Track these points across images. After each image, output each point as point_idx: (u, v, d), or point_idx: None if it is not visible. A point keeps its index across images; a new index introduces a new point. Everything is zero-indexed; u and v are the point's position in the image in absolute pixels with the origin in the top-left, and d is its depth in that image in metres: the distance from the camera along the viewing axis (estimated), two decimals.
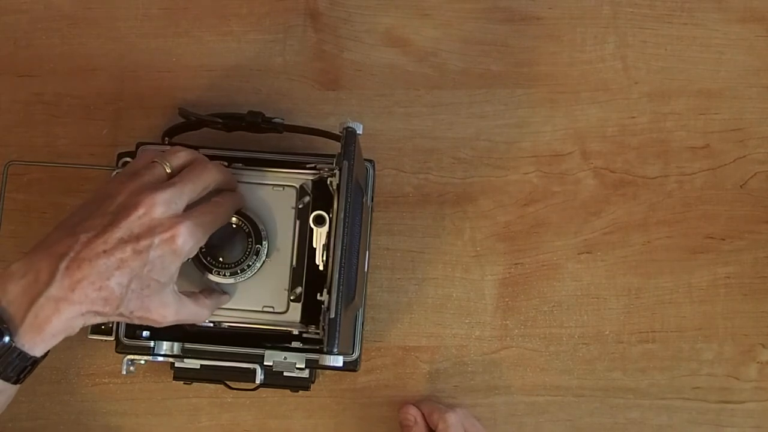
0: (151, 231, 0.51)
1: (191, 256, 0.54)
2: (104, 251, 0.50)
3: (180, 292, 0.55)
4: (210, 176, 0.56)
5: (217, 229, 0.57)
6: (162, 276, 0.52)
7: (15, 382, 0.51)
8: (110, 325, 0.63)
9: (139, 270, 0.51)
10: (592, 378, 0.69)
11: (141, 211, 0.52)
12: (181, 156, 0.57)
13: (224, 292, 0.60)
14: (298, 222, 0.60)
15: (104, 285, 0.50)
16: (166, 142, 0.66)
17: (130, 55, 0.72)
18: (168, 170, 0.55)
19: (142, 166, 0.56)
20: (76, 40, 0.72)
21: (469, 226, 0.70)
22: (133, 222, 0.51)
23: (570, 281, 0.70)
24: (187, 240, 0.53)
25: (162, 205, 0.52)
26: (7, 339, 0.49)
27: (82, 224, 0.52)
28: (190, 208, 0.54)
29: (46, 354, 0.51)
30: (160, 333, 0.63)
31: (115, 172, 0.64)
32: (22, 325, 0.49)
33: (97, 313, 0.51)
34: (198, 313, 0.57)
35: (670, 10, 0.73)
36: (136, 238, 0.51)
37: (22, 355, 0.50)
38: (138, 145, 0.65)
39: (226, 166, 0.61)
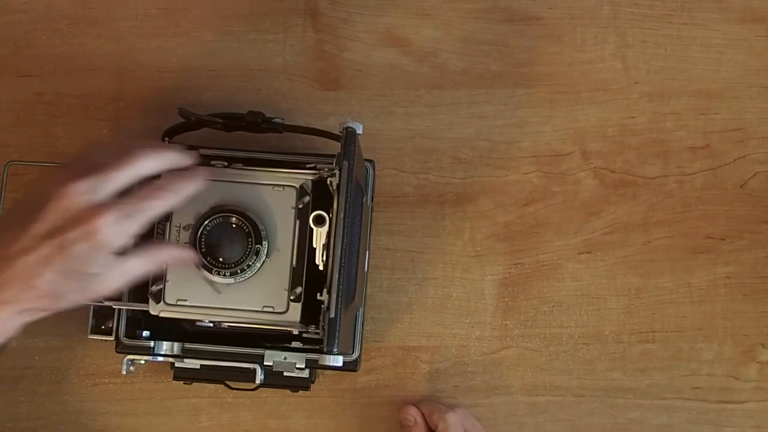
0: (71, 223, 0.49)
1: (128, 245, 0.51)
2: (25, 249, 0.49)
3: (117, 257, 0.52)
4: (143, 162, 0.53)
5: (220, 233, 0.57)
6: (94, 267, 0.50)
7: None
8: (110, 325, 0.63)
9: (66, 265, 0.49)
10: (592, 378, 0.69)
11: (60, 202, 0.49)
12: (124, 145, 0.54)
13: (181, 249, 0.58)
14: (298, 222, 0.60)
15: (32, 284, 0.49)
16: (166, 142, 0.66)
17: (130, 55, 0.72)
18: (101, 160, 0.52)
19: (78, 157, 0.53)
20: (76, 40, 0.72)
21: (469, 226, 0.70)
22: (54, 214, 0.49)
23: (570, 281, 0.70)
24: (110, 232, 0.50)
25: (82, 194, 0.50)
26: None
27: (7, 221, 0.51)
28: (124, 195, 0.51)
29: None
30: (160, 333, 0.63)
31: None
32: None
33: (36, 309, 0.50)
34: (146, 264, 0.54)
35: (670, 10, 0.73)
36: (58, 231, 0.49)
37: None
38: None
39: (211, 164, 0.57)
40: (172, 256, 0.57)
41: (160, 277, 0.59)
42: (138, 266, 0.53)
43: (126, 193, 0.52)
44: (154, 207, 0.53)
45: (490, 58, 0.72)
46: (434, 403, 0.67)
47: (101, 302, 0.59)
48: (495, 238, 0.70)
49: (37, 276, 0.49)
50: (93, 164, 0.52)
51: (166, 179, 0.55)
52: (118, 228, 0.50)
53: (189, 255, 0.57)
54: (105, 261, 0.51)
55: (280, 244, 0.60)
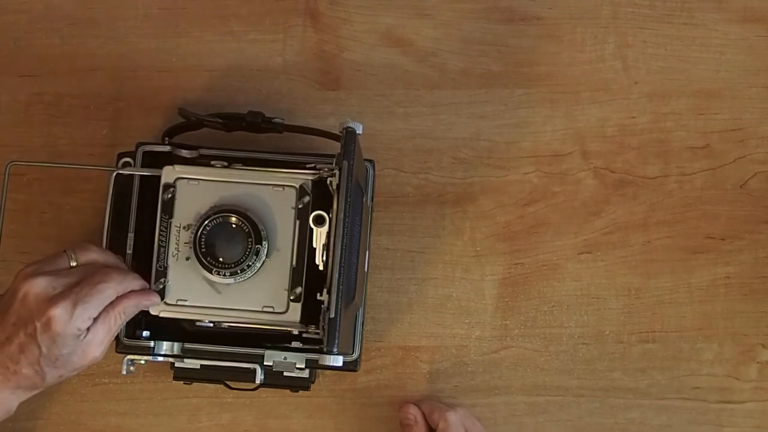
0: (31, 316, 0.54)
1: (85, 327, 0.55)
2: (4, 340, 0.54)
3: (88, 329, 0.55)
4: (104, 280, 0.56)
5: (220, 233, 0.58)
6: (63, 349, 0.54)
7: None
8: None
9: (38, 351, 0.54)
10: (592, 378, 0.69)
11: (20, 294, 0.54)
12: (92, 253, 0.58)
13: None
14: (298, 222, 0.60)
15: (16, 369, 0.54)
16: (166, 142, 0.66)
17: (130, 55, 0.72)
18: (72, 263, 0.57)
19: (52, 255, 0.58)
20: (76, 40, 0.72)
21: (469, 226, 0.70)
22: (18, 307, 0.54)
23: (570, 281, 0.70)
24: (65, 321, 0.54)
25: (38, 285, 0.54)
26: None
27: None
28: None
29: None
30: (160, 333, 0.63)
31: (115, 173, 0.64)
32: None
33: (28, 387, 0.56)
34: (114, 325, 0.57)
35: (670, 10, 0.73)
36: (24, 323, 0.54)
37: None
38: (138, 145, 0.65)
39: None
40: (131, 307, 0.59)
41: (162, 275, 0.60)
42: (104, 331, 0.57)
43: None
44: (103, 290, 0.56)
45: (490, 58, 0.72)
46: (434, 402, 0.67)
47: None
48: (495, 238, 0.70)
49: (18, 362, 0.54)
50: (62, 264, 0.57)
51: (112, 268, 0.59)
52: (72, 314, 0.54)
53: (149, 298, 0.59)
54: (73, 342, 0.55)
55: (280, 244, 0.60)
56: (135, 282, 0.59)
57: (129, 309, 0.58)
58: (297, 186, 0.61)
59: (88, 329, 0.55)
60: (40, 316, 0.53)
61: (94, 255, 0.59)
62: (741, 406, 0.69)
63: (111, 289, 0.56)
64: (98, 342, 0.56)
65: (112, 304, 0.57)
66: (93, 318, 0.55)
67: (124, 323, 0.58)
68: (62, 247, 0.58)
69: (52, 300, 0.54)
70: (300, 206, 0.60)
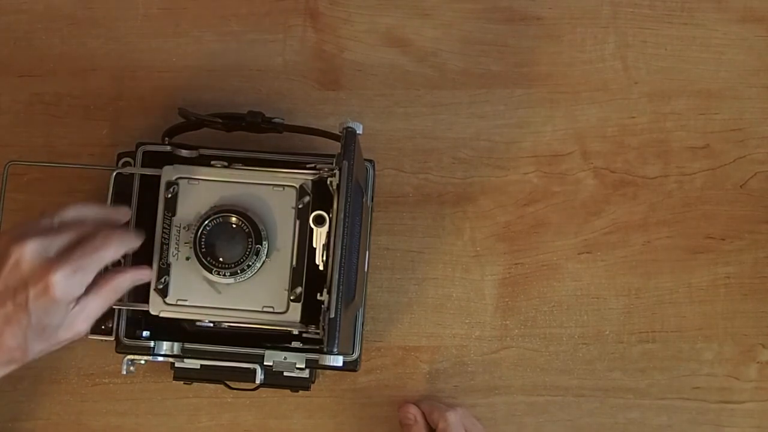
0: (24, 283, 0.51)
1: (78, 295, 0.53)
2: None
3: (79, 298, 0.54)
4: (100, 242, 0.55)
5: (220, 233, 0.57)
6: (54, 319, 0.52)
7: None
8: (110, 325, 0.63)
9: (27, 321, 0.51)
10: (592, 378, 0.69)
11: (11, 260, 0.51)
12: (71, 211, 0.56)
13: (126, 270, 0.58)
14: (298, 222, 0.60)
15: (1, 341, 0.51)
16: (166, 142, 0.66)
17: (130, 55, 0.72)
18: (54, 220, 0.55)
19: (32, 220, 0.55)
20: (76, 40, 0.72)
21: (469, 226, 0.70)
22: (8, 275, 0.51)
23: (570, 281, 0.70)
24: (62, 287, 0.52)
25: (33, 252, 0.52)
26: None
27: None
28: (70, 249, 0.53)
29: None
30: (160, 333, 0.63)
31: (115, 172, 0.64)
32: None
33: (10, 361, 0.52)
34: (108, 298, 0.56)
35: (670, 10, 0.73)
36: (13, 291, 0.51)
37: None
38: (138, 145, 0.65)
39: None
40: (127, 281, 0.58)
41: (164, 274, 0.60)
42: (96, 305, 0.55)
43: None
44: (102, 257, 0.54)
45: (490, 58, 0.72)
46: (434, 402, 0.67)
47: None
48: (495, 238, 0.70)
49: (2, 333, 0.51)
50: (44, 224, 0.54)
51: (108, 231, 0.56)
52: (69, 283, 0.52)
53: (143, 272, 0.58)
54: (65, 311, 0.53)
55: (280, 244, 0.60)
56: (133, 243, 0.57)
57: (124, 284, 0.56)
58: (297, 186, 0.61)
59: (77, 300, 0.53)
60: (35, 282, 0.51)
61: (74, 212, 0.56)
62: (741, 406, 0.69)
63: (110, 255, 0.54)
64: (86, 315, 0.54)
65: (105, 279, 0.55)
66: (85, 287, 0.53)
67: (114, 300, 0.56)
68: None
69: (50, 265, 0.51)
70: (300, 206, 0.60)
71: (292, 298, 0.60)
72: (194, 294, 0.60)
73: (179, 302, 0.60)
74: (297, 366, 0.62)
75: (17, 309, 0.51)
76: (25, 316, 0.51)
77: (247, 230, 0.59)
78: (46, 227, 0.54)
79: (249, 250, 0.59)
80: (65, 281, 0.52)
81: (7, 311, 0.51)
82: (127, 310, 0.63)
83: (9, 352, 0.52)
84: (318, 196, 0.60)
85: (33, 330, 0.52)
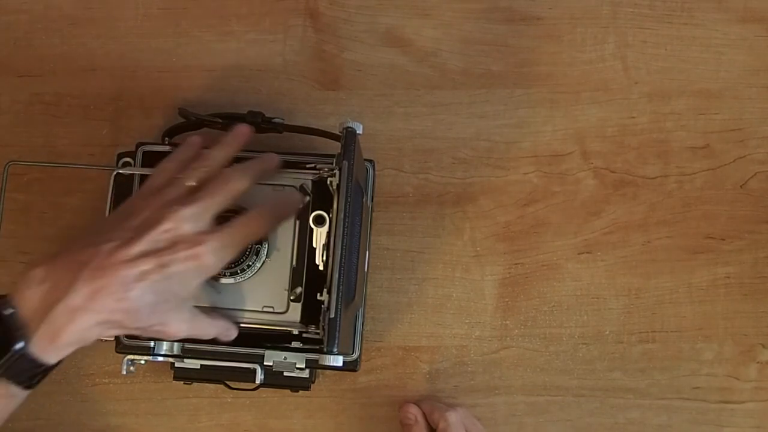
0: (174, 246, 0.52)
1: (215, 273, 0.54)
2: (127, 262, 0.50)
3: (195, 308, 0.56)
4: (235, 186, 0.56)
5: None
6: (182, 291, 0.53)
7: (26, 388, 0.51)
8: None
9: (160, 284, 0.51)
10: (592, 378, 0.69)
11: (166, 225, 0.52)
12: (205, 166, 0.57)
13: (233, 325, 0.60)
14: (297, 222, 0.60)
15: (124, 296, 0.50)
16: (166, 142, 0.66)
17: (130, 55, 0.72)
18: (192, 184, 0.55)
19: (164, 182, 0.56)
20: (76, 40, 0.72)
21: (469, 226, 0.70)
22: (158, 236, 0.52)
23: (570, 281, 0.70)
24: (210, 259, 0.53)
25: (188, 220, 0.52)
26: (20, 345, 0.49)
27: (105, 235, 0.52)
28: (223, 219, 0.55)
29: (59, 362, 0.51)
30: None
31: (115, 172, 0.64)
32: (37, 332, 0.50)
33: (115, 324, 0.51)
34: (206, 329, 0.57)
35: (670, 10, 0.73)
36: (160, 252, 0.51)
37: (35, 362, 0.50)
38: (138, 145, 0.65)
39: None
40: (230, 334, 0.59)
41: None
42: (204, 328, 0.57)
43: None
44: (249, 235, 0.56)
45: (490, 58, 0.72)
46: (435, 402, 0.67)
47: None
48: (495, 238, 0.70)
49: (132, 289, 0.50)
50: (183, 189, 0.55)
51: (261, 208, 0.57)
52: (216, 257, 0.53)
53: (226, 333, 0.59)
54: (196, 286, 0.53)
55: (280, 244, 0.60)
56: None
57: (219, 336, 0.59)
58: (297, 186, 0.61)
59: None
60: (186, 248, 0.52)
61: (205, 169, 0.56)
62: (741, 406, 0.69)
63: (259, 234, 0.57)
64: (196, 328, 0.56)
65: (230, 330, 0.58)
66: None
67: None
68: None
69: (203, 236, 0.53)
70: (300, 206, 0.60)
71: (292, 298, 0.60)
72: None
73: None
74: (297, 366, 0.62)
75: (157, 269, 0.51)
76: (161, 277, 0.51)
77: None
78: (184, 191, 0.55)
79: (249, 250, 0.59)
80: (213, 253, 0.53)
81: (147, 268, 0.51)
82: None
83: (125, 312, 0.51)
84: (318, 196, 0.60)
85: (159, 294, 0.51)
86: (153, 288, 0.51)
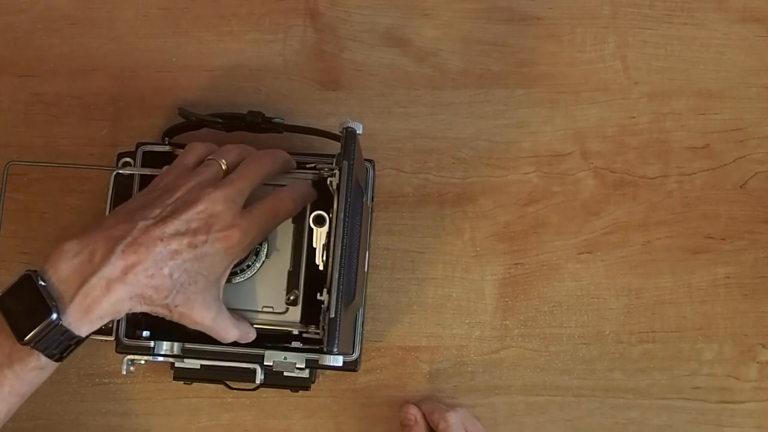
0: (208, 227, 0.53)
1: (242, 257, 0.56)
2: (161, 239, 0.52)
3: (222, 305, 0.57)
4: (265, 169, 0.58)
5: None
6: (211, 273, 0.54)
7: (58, 360, 0.52)
8: (110, 325, 0.63)
9: (191, 263, 0.53)
10: (592, 378, 0.69)
11: (201, 207, 0.53)
12: (234, 152, 0.58)
13: (252, 328, 0.60)
14: (293, 226, 0.60)
15: (157, 272, 0.52)
16: (166, 142, 0.66)
17: (130, 55, 0.72)
18: (224, 167, 0.57)
19: (196, 161, 0.58)
20: (76, 40, 0.72)
21: (469, 226, 0.70)
22: (193, 216, 0.53)
23: (570, 281, 0.70)
24: (242, 240, 0.54)
25: (222, 202, 0.54)
26: (54, 316, 0.50)
27: (140, 212, 0.53)
28: (249, 202, 0.56)
29: (89, 334, 0.52)
30: (160, 333, 0.63)
31: (115, 172, 0.64)
32: (71, 303, 0.50)
33: (145, 300, 0.52)
34: (229, 329, 0.57)
35: (670, 10, 0.73)
36: (194, 232, 0.53)
37: (68, 333, 0.51)
38: (138, 145, 0.65)
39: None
40: (249, 337, 0.60)
41: None
42: (227, 327, 0.57)
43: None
44: (277, 217, 0.58)
45: (490, 58, 0.72)
46: (435, 402, 0.67)
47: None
48: (495, 238, 0.70)
49: (164, 266, 0.52)
50: (217, 171, 0.57)
51: (283, 190, 0.59)
52: (247, 238, 0.55)
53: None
54: (227, 268, 0.56)
55: (280, 245, 0.60)
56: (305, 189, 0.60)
57: (243, 340, 0.60)
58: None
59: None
60: (220, 229, 0.53)
61: (237, 152, 0.58)
62: (741, 406, 0.69)
63: (288, 216, 0.58)
64: (218, 325, 0.56)
65: (249, 334, 0.60)
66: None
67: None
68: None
69: (239, 218, 0.54)
70: (314, 197, 0.60)
71: (288, 301, 0.60)
72: None
73: None
74: (297, 366, 0.62)
75: (189, 248, 0.52)
76: (192, 257, 0.52)
77: None
78: (218, 173, 0.56)
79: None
80: (245, 235, 0.54)
81: (179, 246, 0.52)
82: None
83: (155, 288, 0.52)
84: (318, 196, 0.60)
85: (188, 274, 0.53)
86: (183, 267, 0.52)
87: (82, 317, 0.51)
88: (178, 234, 0.52)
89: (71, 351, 0.52)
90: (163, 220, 0.53)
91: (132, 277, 0.51)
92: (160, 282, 0.52)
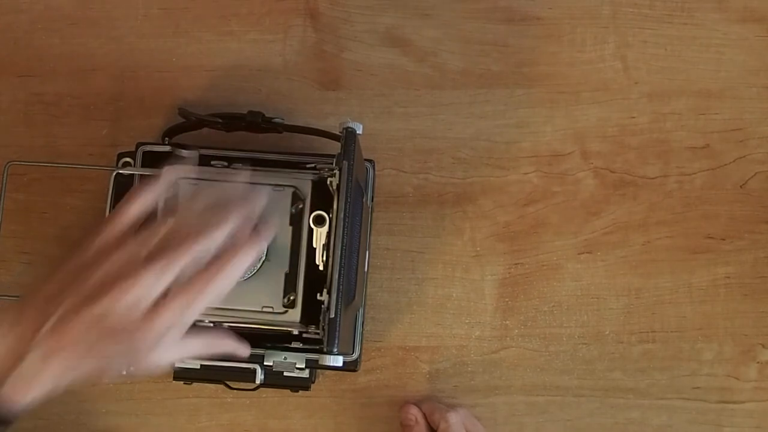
0: (128, 313, 0.49)
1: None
2: (82, 324, 0.49)
3: (186, 335, 0.52)
4: (198, 245, 0.51)
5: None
6: (147, 344, 0.50)
7: None
8: None
9: (116, 344, 0.50)
10: (592, 378, 0.69)
11: (117, 293, 0.49)
12: (164, 226, 0.52)
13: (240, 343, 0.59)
14: (291, 228, 0.60)
15: (85, 356, 0.49)
16: (166, 142, 0.66)
17: (130, 55, 0.72)
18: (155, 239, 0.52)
19: (137, 216, 0.53)
20: (76, 40, 0.72)
21: (469, 226, 0.70)
22: (111, 303, 0.49)
23: (570, 281, 0.70)
24: (160, 331, 0.50)
25: (139, 289, 0.50)
26: None
27: (61, 294, 0.50)
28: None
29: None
30: None
31: (115, 173, 0.64)
32: (3, 385, 0.48)
33: (86, 370, 0.50)
34: (204, 349, 0.55)
35: (670, 10, 0.73)
36: (115, 316, 0.49)
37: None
38: (138, 145, 0.65)
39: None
40: (228, 348, 0.57)
41: None
42: (196, 347, 0.54)
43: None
44: (213, 292, 0.52)
45: (490, 58, 0.72)
46: (435, 402, 0.67)
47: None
48: (495, 238, 0.70)
49: (92, 348, 0.49)
50: (138, 251, 0.51)
51: (223, 258, 0.53)
52: (170, 323, 0.51)
53: (243, 350, 0.58)
54: (159, 341, 0.51)
55: (280, 245, 0.60)
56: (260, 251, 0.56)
57: (224, 353, 0.57)
58: (297, 186, 0.61)
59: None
60: (136, 320, 0.49)
61: (164, 227, 0.52)
62: (741, 406, 0.69)
63: (230, 279, 0.52)
64: (186, 351, 0.54)
65: (222, 341, 0.56)
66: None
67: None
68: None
69: (156, 309, 0.50)
70: (293, 212, 0.60)
71: (285, 303, 0.60)
72: None
73: None
74: (297, 366, 0.62)
75: (111, 333, 0.49)
76: (116, 341, 0.49)
77: None
78: (143, 249, 0.51)
79: None
80: (165, 326, 0.50)
81: (101, 332, 0.49)
82: None
83: (91, 369, 0.50)
84: (318, 196, 0.60)
85: (120, 354, 0.50)
86: (111, 348, 0.49)
87: (14, 395, 0.48)
88: (99, 318, 0.49)
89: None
90: (84, 303, 0.49)
91: (56, 365, 0.48)
92: (90, 363, 0.49)
